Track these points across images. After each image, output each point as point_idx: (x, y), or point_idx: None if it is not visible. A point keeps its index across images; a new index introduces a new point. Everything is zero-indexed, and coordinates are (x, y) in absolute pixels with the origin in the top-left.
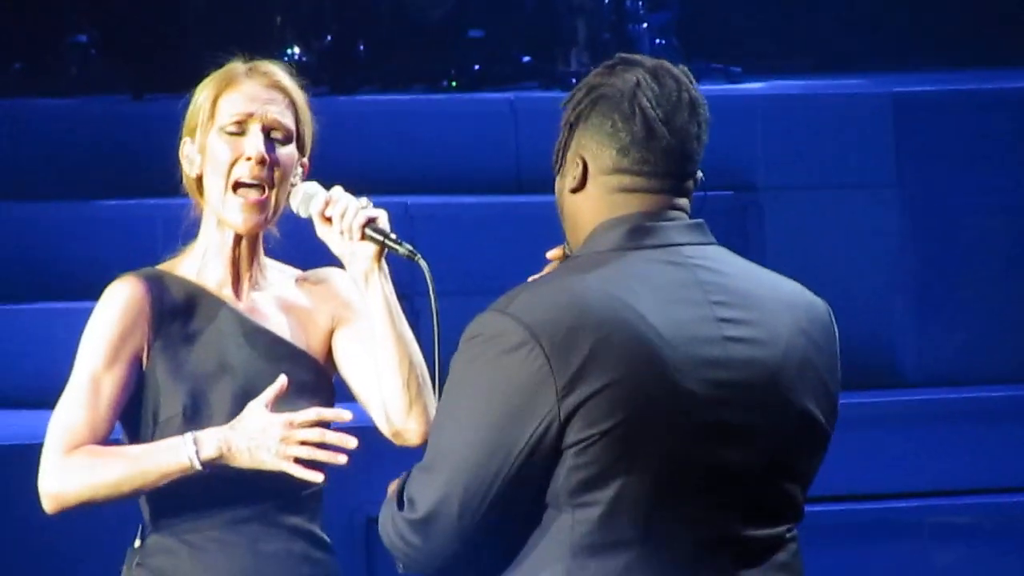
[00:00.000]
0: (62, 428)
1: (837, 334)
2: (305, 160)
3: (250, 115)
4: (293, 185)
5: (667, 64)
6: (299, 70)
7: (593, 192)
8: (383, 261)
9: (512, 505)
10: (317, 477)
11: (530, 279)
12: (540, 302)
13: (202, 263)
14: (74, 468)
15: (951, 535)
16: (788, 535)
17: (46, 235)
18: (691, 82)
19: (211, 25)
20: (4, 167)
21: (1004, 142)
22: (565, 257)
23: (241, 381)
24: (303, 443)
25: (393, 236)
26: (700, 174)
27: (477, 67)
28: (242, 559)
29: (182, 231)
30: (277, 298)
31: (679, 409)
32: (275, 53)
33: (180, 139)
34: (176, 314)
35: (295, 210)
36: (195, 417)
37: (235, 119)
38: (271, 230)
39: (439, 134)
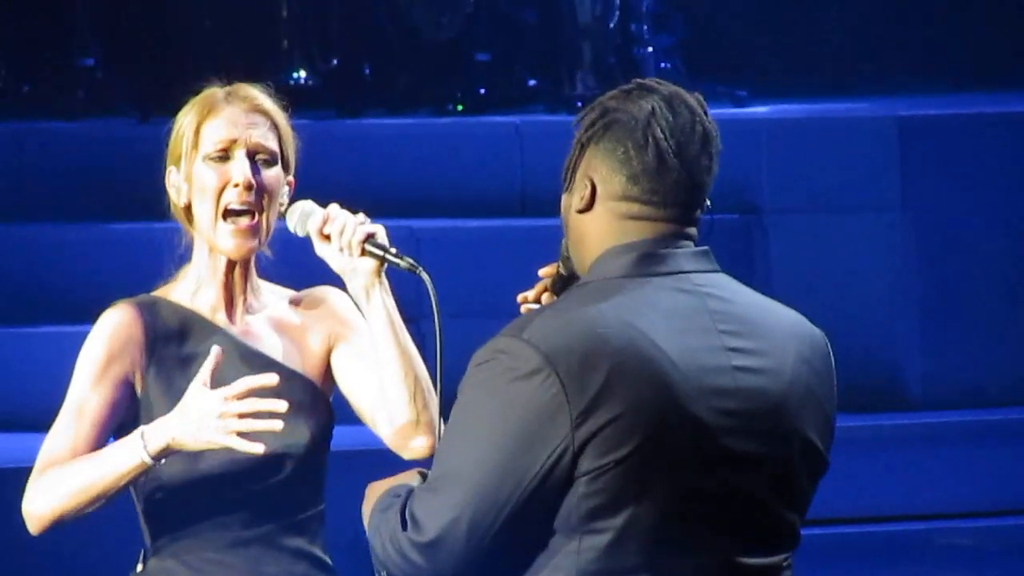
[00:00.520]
0: (44, 452)
1: (834, 365)
2: (291, 179)
3: (234, 141)
4: (282, 205)
5: (683, 93)
6: (305, 93)
7: (601, 214)
8: (383, 276)
9: (520, 530)
10: (257, 448)
11: (519, 296)
12: (555, 329)
13: (195, 288)
14: (45, 484)
15: (957, 557)
16: (785, 563)
17: (53, 257)
18: (706, 112)
19: (217, 48)
20: (11, 189)
21: (1009, 165)
22: (558, 275)
23: None
24: (241, 416)
25: (393, 250)
26: (708, 201)
27: (483, 90)
28: None
29: (176, 256)
30: (271, 320)
31: (689, 438)
32: (281, 76)
33: (165, 168)
34: (170, 339)
35: (292, 229)
36: None
37: (219, 146)
38: (263, 250)
39: (445, 157)
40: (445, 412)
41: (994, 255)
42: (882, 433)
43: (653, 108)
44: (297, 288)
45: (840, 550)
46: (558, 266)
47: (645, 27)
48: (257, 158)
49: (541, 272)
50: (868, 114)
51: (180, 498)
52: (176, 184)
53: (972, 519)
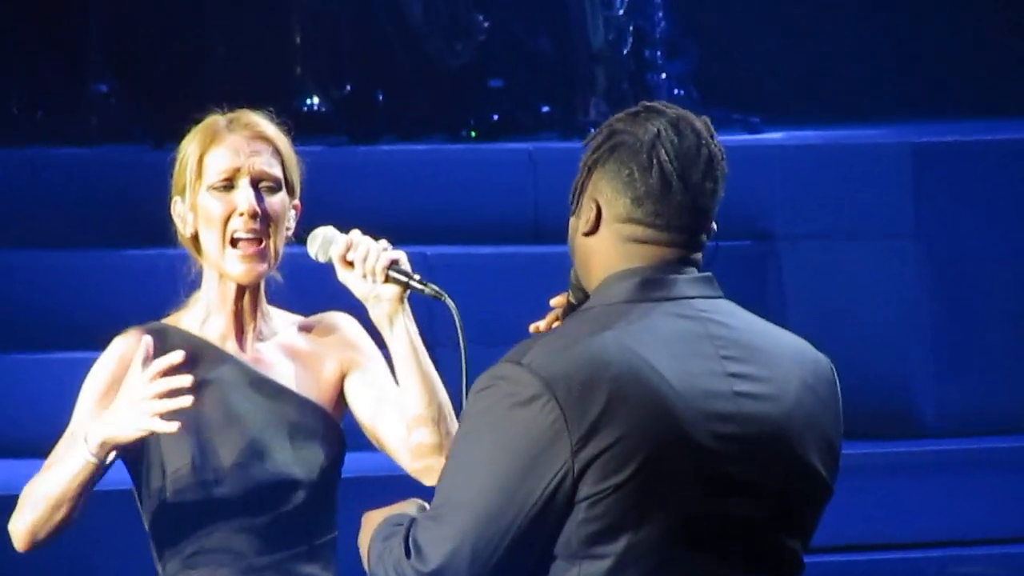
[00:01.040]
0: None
1: (839, 391)
2: (297, 203)
3: (237, 169)
4: (289, 229)
5: (690, 116)
6: (318, 120)
7: (606, 237)
8: (406, 302)
9: (522, 556)
10: (171, 427)
11: (531, 326)
12: (555, 354)
13: (205, 316)
14: (21, 501)
15: None
16: None
17: (65, 283)
18: (712, 136)
19: (231, 75)
20: (25, 215)
21: (1022, 192)
22: (568, 304)
23: (248, 431)
24: (156, 397)
25: (417, 276)
26: (714, 225)
27: (496, 117)
28: None
29: (187, 283)
30: (282, 346)
31: (690, 463)
32: (294, 103)
33: (170, 198)
34: (180, 367)
35: (314, 255)
36: (204, 467)
37: (223, 176)
38: (273, 275)
39: (458, 184)
40: None
41: (1007, 282)
42: (895, 460)
43: (659, 130)
44: (306, 313)
45: None
46: (568, 295)
47: (659, 53)
48: (261, 186)
49: (552, 302)
50: (882, 141)
51: (191, 525)
52: (181, 214)
53: (986, 546)
